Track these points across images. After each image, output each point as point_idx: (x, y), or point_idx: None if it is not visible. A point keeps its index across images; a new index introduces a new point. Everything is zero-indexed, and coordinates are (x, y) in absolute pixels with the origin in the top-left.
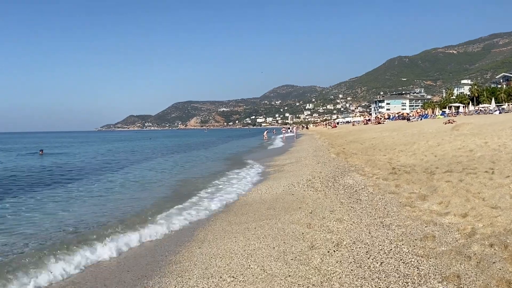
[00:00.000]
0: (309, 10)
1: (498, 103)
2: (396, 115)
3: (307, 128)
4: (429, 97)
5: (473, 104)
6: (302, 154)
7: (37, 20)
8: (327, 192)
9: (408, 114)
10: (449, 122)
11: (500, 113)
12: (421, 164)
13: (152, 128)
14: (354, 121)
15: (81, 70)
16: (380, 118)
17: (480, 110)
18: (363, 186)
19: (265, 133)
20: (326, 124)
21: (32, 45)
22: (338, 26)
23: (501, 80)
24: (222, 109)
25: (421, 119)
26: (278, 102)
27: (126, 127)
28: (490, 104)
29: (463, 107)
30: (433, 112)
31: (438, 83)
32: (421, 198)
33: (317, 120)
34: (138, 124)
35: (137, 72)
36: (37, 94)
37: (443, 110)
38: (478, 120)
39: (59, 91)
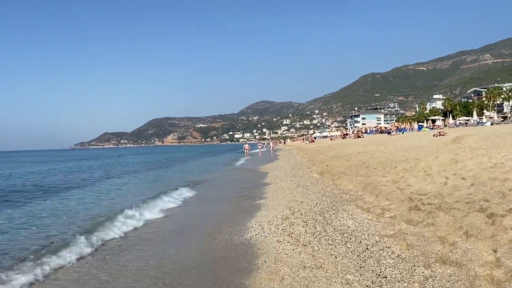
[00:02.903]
0: (284, 28)
1: (471, 116)
2: (374, 129)
3: (284, 143)
4: (402, 111)
5: (447, 118)
6: (278, 174)
7: (7, 35)
8: (316, 248)
9: (386, 127)
10: (440, 135)
11: (491, 124)
12: (450, 192)
13: (128, 145)
14: (332, 136)
15: (53, 88)
16: (360, 132)
17: (460, 123)
18: (377, 238)
19: (246, 145)
20: (303, 139)
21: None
22: (313, 44)
23: (472, 95)
24: (200, 125)
25: (403, 133)
26: (255, 118)
27: (100, 145)
28: (464, 117)
29: (442, 120)
30: (411, 126)
31: (409, 98)
32: None
33: (294, 135)
34: (113, 142)
35: (112, 89)
36: (8, 112)
37: (419, 124)
38: (473, 132)
39: (31, 109)
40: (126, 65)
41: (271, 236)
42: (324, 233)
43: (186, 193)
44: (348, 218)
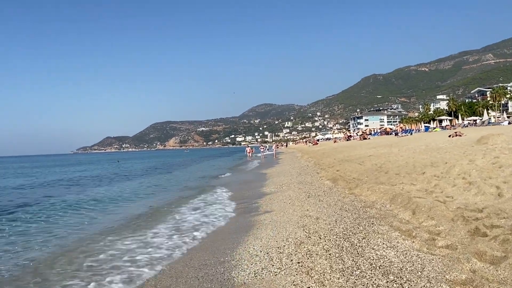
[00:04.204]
0: (285, 30)
1: (480, 116)
2: (379, 131)
3: (286, 146)
4: (405, 113)
5: (454, 118)
6: (283, 180)
7: (10, 37)
8: None
9: (391, 129)
10: (456, 135)
11: (509, 123)
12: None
13: (130, 149)
14: (335, 138)
15: (55, 92)
16: (365, 134)
17: (469, 123)
18: None
19: (248, 149)
20: (306, 142)
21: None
22: (314, 46)
23: (476, 95)
24: (201, 128)
25: (411, 134)
26: (257, 121)
27: (103, 149)
28: (473, 117)
29: (449, 120)
30: (418, 127)
31: (412, 99)
32: None
33: (296, 138)
34: (115, 146)
35: (113, 93)
36: (10, 117)
37: (426, 125)
38: (491, 131)
39: (34, 113)
40: (127, 70)
41: (283, 273)
42: (358, 271)
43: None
44: (385, 246)
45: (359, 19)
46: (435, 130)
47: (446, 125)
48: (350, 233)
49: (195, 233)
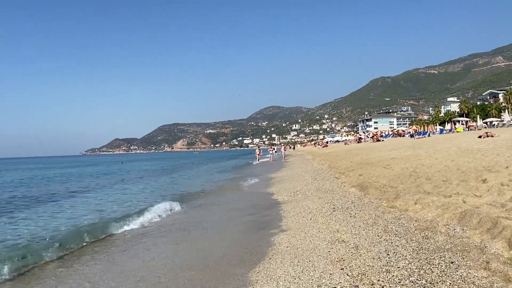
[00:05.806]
0: (293, 33)
1: (499, 118)
2: (391, 133)
3: (293, 148)
4: (415, 115)
5: (471, 119)
6: (297, 186)
7: (17, 43)
8: None
9: (404, 131)
10: (487, 136)
11: None
12: None
13: (138, 151)
14: (346, 140)
15: (64, 95)
16: (377, 135)
17: (486, 124)
18: None
19: (257, 150)
20: (315, 144)
21: (13, 68)
22: (322, 48)
23: (488, 97)
24: (209, 131)
25: (429, 135)
26: (264, 123)
27: (111, 151)
28: (492, 118)
29: (466, 121)
30: (433, 129)
31: (421, 102)
32: None
33: (304, 140)
34: (123, 148)
35: (122, 96)
36: (24, 120)
37: (440, 127)
38: None
39: (43, 115)
40: (136, 72)
41: None
42: None
43: (167, 212)
44: None
45: (367, 20)
46: (457, 130)
47: (470, 126)
48: (425, 282)
49: (184, 259)
